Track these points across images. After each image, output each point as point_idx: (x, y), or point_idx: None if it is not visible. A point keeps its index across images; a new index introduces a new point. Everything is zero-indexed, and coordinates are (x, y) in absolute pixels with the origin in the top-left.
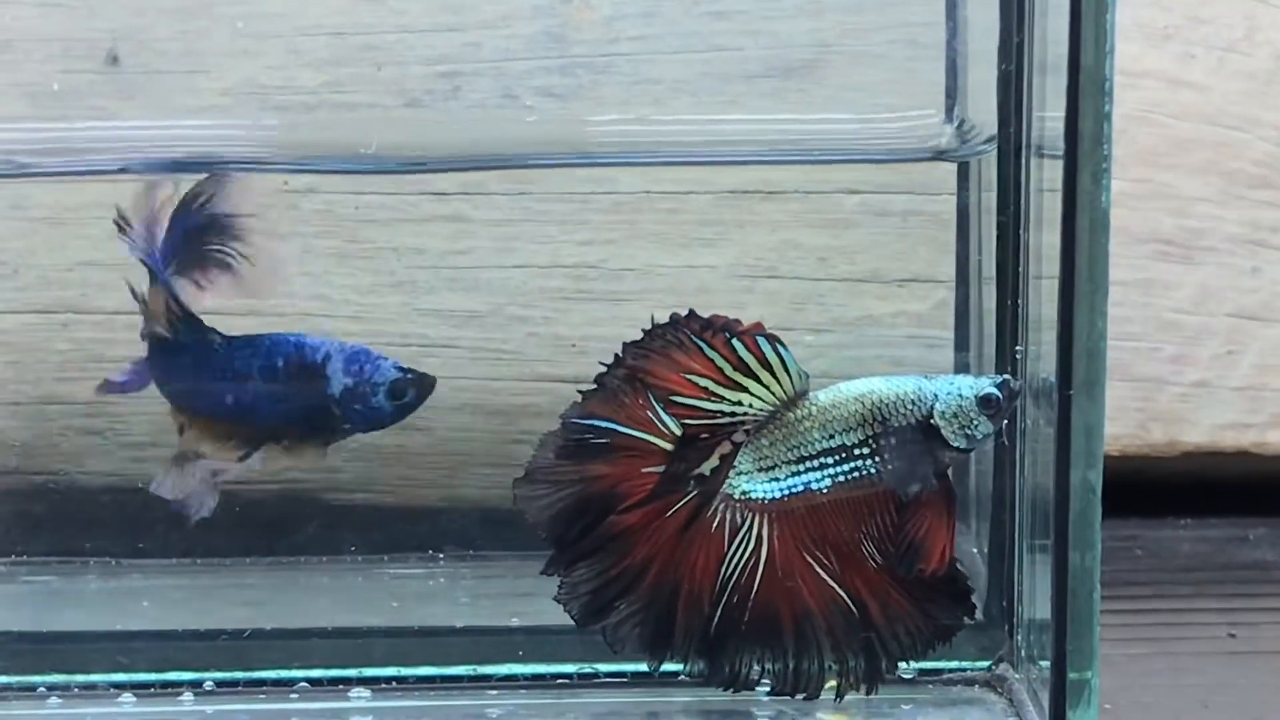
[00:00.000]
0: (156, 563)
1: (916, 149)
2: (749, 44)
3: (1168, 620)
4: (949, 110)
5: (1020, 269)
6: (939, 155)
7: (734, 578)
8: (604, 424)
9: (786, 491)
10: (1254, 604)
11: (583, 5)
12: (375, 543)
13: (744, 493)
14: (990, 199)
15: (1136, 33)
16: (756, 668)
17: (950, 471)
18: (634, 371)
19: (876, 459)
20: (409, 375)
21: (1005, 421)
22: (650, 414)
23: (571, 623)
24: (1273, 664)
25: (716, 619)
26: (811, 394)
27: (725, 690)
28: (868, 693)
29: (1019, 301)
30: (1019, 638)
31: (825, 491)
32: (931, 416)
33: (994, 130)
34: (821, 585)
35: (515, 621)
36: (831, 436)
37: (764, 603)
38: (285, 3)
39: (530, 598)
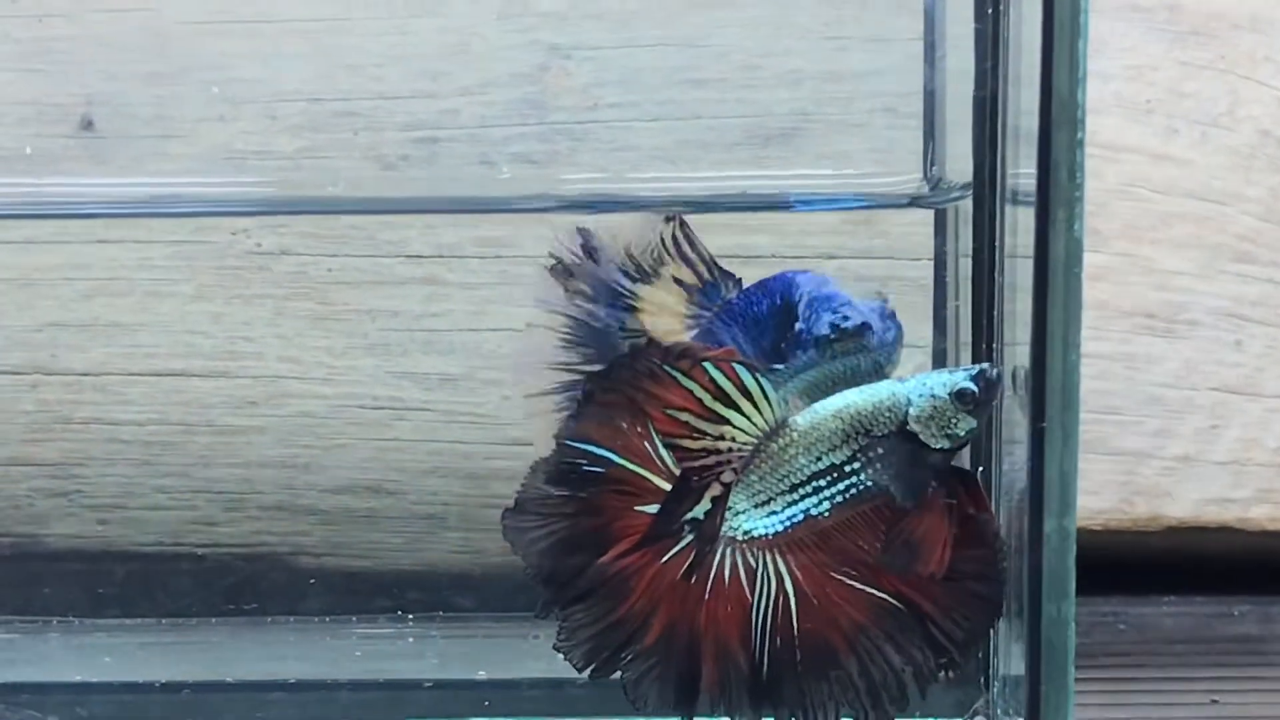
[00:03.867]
0: (120, 622)
1: (894, 195)
2: (728, 112)
3: (1150, 688)
4: (926, 175)
5: (996, 314)
6: (914, 201)
7: (768, 620)
8: (600, 451)
9: (788, 523)
10: (1238, 673)
11: (561, 72)
12: (344, 606)
13: (746, 533)
14: (966, 246)
15: (1118, 108)
16: (830, 704)
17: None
18: (632, 397)
19: (869, 471)
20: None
21: (988, 415)
22: (649, 446)
23: (540, 677)
24: None
25: (765, 665)
26: (790, 420)
27: None
28: (947, 679)
29: (994, 346)
30: (994, 692)
31: (827, 515)
32: (907, 422)
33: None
34: (861, 596)
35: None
36: (818, 459)
37: (810, 634)
38: (262, 68)
39: (500, 664)
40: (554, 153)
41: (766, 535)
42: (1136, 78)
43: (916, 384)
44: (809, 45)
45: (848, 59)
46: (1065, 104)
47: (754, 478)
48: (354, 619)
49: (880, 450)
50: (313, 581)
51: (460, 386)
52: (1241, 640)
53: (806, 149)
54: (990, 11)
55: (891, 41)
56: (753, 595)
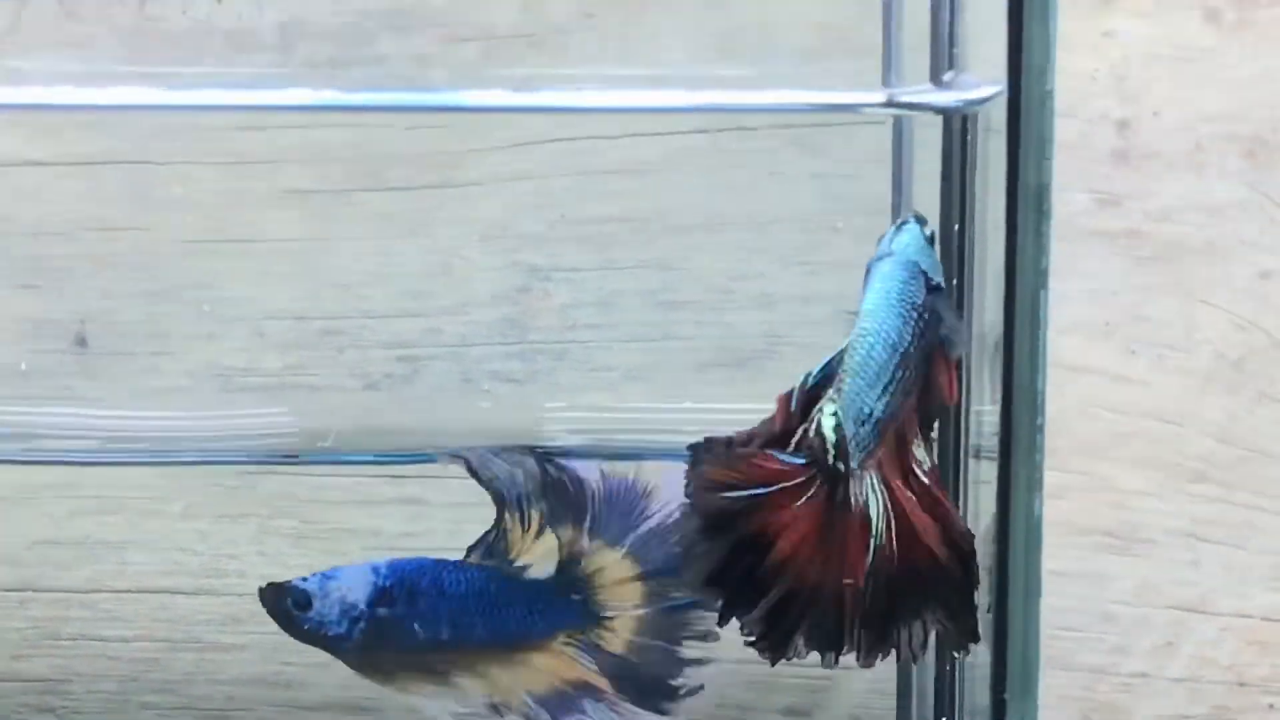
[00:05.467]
0: None
1: None
2: (702, 334)
3: None
4: None
5: None
6: None
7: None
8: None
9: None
10: None
11: (541, 293)
12: None
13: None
14: None
15: (1078, 329)
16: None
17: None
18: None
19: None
20: None
21: None
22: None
23: None
24: None
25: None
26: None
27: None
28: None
29: None
30: None
31: (898, 412)
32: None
33: None
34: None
35: None
36: (893, 348)
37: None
38: (251, 287)
39: None
40: (534, 371)
41: (869, 452)
42: (1097, 300)
43: (902, 248)
44: (781, 269)
45: (819, 283)
46: (1026, 392)
47: (849, 391)
48: None
49: (925, 311)
50: None
51: None
52: None
53: (780, 371)
54: (955, 282)
55: (861, 268)
56: (872, 517)
